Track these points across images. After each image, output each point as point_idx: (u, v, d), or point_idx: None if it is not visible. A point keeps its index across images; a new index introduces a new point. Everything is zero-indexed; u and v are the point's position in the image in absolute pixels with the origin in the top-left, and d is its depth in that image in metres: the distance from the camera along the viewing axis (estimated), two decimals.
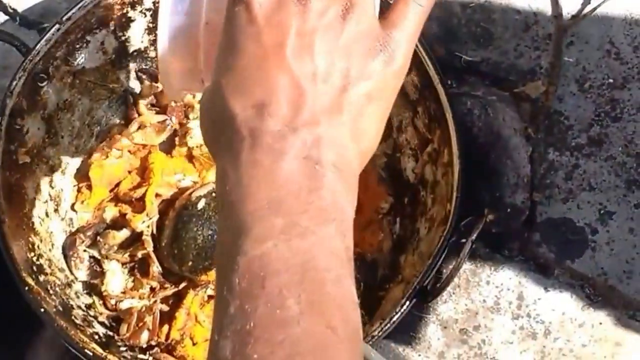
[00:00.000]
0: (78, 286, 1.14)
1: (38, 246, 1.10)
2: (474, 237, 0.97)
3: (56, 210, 1.16)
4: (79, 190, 1.19)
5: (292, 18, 0.60)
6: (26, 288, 1.01)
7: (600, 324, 1.12)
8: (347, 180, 0.60)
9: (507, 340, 1.12)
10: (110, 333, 1.10)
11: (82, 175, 1.19)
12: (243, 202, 0.57)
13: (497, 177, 1.17)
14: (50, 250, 1.12)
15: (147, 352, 1.10)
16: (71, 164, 1.19)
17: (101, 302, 1.14)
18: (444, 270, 1.07)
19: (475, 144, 1.17)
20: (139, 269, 1.15)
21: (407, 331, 1.13)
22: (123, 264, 1.15)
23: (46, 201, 1.14)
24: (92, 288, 1.15)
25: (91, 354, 0.99)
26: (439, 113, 1.07)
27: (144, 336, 1.10)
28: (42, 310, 1.00)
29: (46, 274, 1.08)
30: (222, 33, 0.63)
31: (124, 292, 1.14)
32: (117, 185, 1.19)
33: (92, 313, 1.12)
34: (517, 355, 1.11)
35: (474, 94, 1.22)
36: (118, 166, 1.19)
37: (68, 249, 1.14)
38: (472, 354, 1.11)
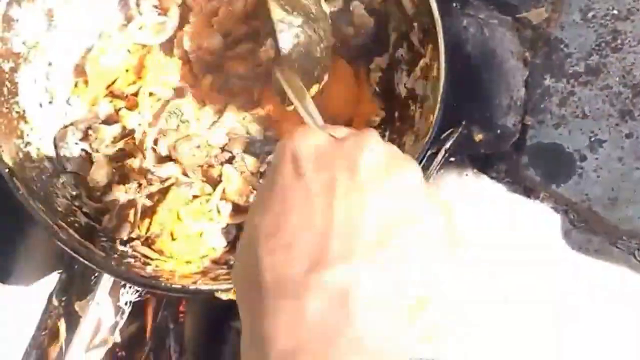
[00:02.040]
0: (66, 177, 1.15)
1: (28, 134, 1.11)
2: (447, 145, 0.98)
3: (51, 102, 1.17)
4: (75, 85, 1.20)
5: (340, 163, 0.60)
6: (6, 170, 1.03)
7: (581, 248, 1.12)
8: (390, 316, 0.57)
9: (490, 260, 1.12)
10: (93, 223, 1.12)
11: (80, 70, 1.20)
12: (268, 346, 0.56)
13: (489, 97, 1.17)
14: (40, 139, 1.14)
15: (127, 244, 1.12)
16: (69, 58, 1.20)
17: (87, 194, 1.15)
18: None
19: (468, 61, 1.17)
20: (127, 164, 1.16)
21: None
22: (112, 158, 1.16)
23: (41, 92, 1.16)
24: (80, 180, 1.16)
25: (65, 237, 1.01)
26: (432, 27, 1.07)
27: (125, 228, 1.12)
28: (20, 192, 1.02)
29: (33, 161, 1.10)
30: (266, 180, 0.64)
31: (109, 186, 1.15)
32: (114, 82, 1.20)
33: (77, 203, 1.13)
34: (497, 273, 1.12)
35: (475, 16, 1.22)
36: (115, 63, 1.20)
37: (59, 140, 1.15)
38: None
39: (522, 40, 1.22)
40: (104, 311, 1.19)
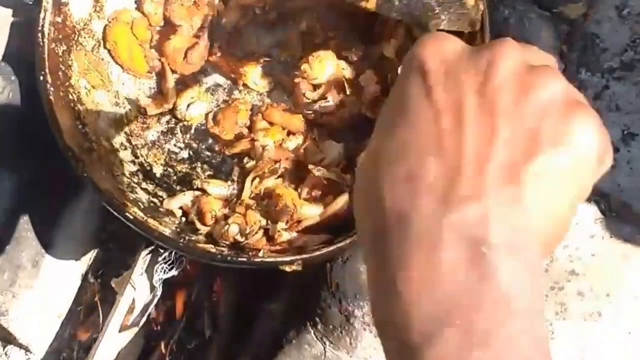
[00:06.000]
0: (124, 154, 1.20)
1: (84, 116, 1.15)
2: None
3: (103, 82, 1.21)
4: None
5: (471, 79, 0.51)
6: (69, 154, 1.07)
7: (611, 237, 1.15)
8: (526, 263, 0.48)
9: None
10: (154, 200, 1.16)
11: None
12: (406, 320, 0.47)
13: None
14: (95, 119, 1.17)
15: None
16: None
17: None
18: None
19: None
20: None
21: None
22: None
23: (93, 73, 1.19)
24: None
25: (131, 217, 1.05)
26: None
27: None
28: (84, 175, 1.06)
29: (91, 142, 1.14)
30: (392, 96, 0.54)
31: None
32: None
33: (135, 180, 1.18)
34: None
35: (515, 9, 1.25)
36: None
37: None
38: None
39: (558, 34, 1.25)
40: (139, 288, 1.22)
